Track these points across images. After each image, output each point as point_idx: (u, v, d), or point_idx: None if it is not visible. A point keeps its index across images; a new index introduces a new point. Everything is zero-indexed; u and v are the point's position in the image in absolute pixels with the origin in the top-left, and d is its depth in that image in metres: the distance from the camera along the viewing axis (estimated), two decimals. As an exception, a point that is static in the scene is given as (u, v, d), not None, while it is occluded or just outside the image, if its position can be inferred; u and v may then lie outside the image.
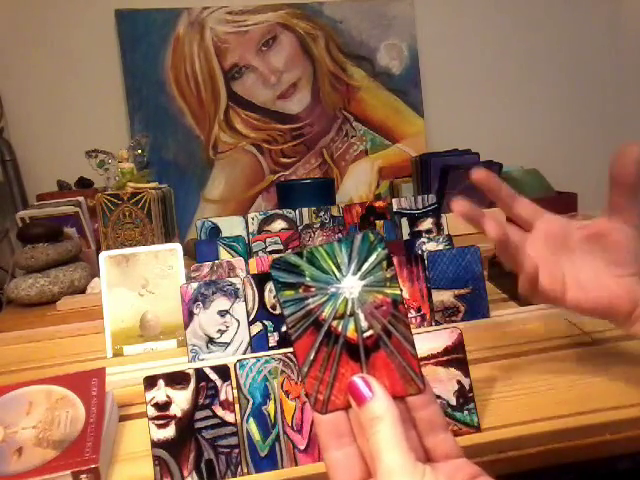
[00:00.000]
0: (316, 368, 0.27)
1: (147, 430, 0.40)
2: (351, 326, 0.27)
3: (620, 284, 0.40)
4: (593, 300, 0.41)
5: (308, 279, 0.27)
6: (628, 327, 0.41)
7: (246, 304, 0.59)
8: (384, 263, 0.27)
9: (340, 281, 0.27)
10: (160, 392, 0.41)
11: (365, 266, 0.27)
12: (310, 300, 0.27)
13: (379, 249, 0.27)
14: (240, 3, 1.37)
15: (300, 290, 0.27)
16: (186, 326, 0.58)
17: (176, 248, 0.66)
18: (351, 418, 0.27)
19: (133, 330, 0.63)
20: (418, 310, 0.62)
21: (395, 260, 0.62)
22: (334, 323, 0.27)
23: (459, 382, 0.44)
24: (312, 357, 0.27)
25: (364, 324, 0.27)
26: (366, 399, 0.26)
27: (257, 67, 1.38)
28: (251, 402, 0.41)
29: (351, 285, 0.27)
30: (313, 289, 0.27)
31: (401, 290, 0.27)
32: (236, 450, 0.41)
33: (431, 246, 0.75)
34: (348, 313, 0.27)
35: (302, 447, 0.41)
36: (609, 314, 0.41)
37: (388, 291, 0.27)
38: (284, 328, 0.60)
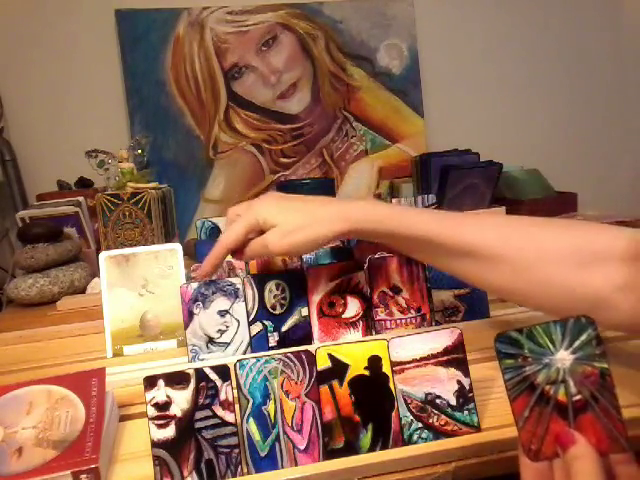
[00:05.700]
0: (530, 423, 0.33)
1: (147, 430, 0.40)
2: (561, 390, 0.33)
3: None
4: None
5: (526, 351, 0.33)
6: None
7: (246, 304, 0.59)
8: (594, 342, 0.33)
9: (554, 354, 0.33)
10: (160, 392, 0.41)
11: (576, 343, 0.33)
12: (527, 368, 0.33)
13: (590, 330, 0.33)
14: (240, 3, 1.37)
15: (519, 359, 0.33)
16: (186, 326, 0.58)
17: (176, 248, 0.66)
18: (555, 469, 0.32)
19: (133, 330, 0.63)
20: (418, 310, 0.62)
21: (394, 260, 0.62)
22: (546, 387, 0.33)
23: (459, 382, 0.44)
24: (526, 414, 0.33)
25: (573, 390, 0.33)
26: (570, 444, 0.31)
27: (257, 67, 1.38)
28: (251, 402, 0.41)
29: (563, 358, 0.33)
30: (530, 359, 0.33)
31: (608, 365, 0.33)
32: (236, 450, 0.41)
33: (431, 246, 0.75)
34: (559, 380, 0.33)
35: (302, 447, 0.41)
36: None
37: (597, 364, 0.33)
38: (284, 328, 0.60)
